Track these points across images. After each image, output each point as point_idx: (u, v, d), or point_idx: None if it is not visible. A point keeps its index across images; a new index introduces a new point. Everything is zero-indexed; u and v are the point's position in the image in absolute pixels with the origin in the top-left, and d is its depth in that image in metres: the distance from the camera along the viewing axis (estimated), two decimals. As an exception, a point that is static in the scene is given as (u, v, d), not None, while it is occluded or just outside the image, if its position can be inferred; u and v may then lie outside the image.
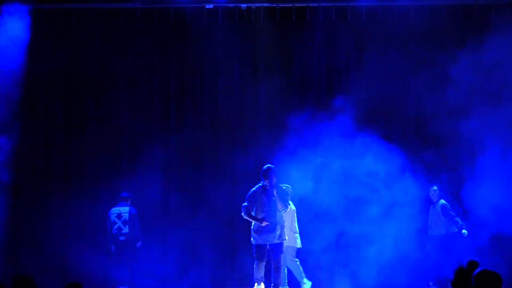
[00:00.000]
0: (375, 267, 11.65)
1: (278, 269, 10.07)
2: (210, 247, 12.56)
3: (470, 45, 12.00)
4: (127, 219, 12.08)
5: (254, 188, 10.08)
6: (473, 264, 6.27)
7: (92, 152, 12.87)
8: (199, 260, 12.55)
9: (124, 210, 12.13)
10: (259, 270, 10.07)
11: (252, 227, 10.13)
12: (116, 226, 12.10)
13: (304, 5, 12.69)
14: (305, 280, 11.11)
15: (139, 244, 12.26)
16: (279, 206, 9.98)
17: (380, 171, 11.72)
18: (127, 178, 12.57)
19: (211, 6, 12.67)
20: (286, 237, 10.24)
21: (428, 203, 12.08)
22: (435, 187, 11.99)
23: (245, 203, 10.05)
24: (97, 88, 12.94)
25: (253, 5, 12.71)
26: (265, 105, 12.79)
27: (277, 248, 10.04)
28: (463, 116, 12.18)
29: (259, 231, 9.98)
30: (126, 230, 12.07)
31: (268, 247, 10.04)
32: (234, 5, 12.72)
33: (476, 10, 12.58)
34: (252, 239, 10.12)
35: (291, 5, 12.71)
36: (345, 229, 11.79)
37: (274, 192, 9.94)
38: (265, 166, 10.08)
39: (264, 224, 9.89)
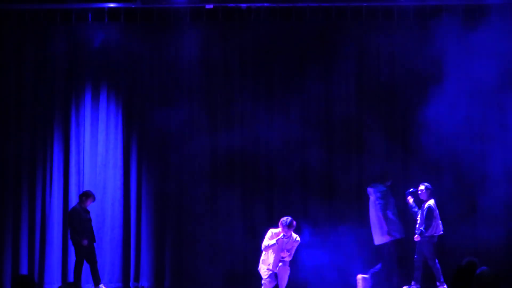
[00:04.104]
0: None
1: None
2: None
3: (470, 45, 12.03)
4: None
5: (384, 188, 11.28)
6: (472, 264, 6.30)
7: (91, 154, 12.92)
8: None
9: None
10: None
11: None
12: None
13: (304, 5, 12.69)
14: None
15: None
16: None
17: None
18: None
19: (211, 6, 12.67)
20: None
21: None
22: (425, 185, 11.40)
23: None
24: (97, 88, 12.94)
25: (253, 5, 12.71)
26: (265, 105, 12.78)
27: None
28: (462, 115, 12.23)
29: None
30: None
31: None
32: (234, 5, 12.72)
33: (476, 10, 12.58)
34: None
35: (291, 5, 12.72)
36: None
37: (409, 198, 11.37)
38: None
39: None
